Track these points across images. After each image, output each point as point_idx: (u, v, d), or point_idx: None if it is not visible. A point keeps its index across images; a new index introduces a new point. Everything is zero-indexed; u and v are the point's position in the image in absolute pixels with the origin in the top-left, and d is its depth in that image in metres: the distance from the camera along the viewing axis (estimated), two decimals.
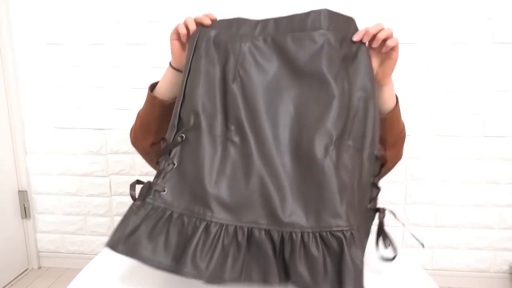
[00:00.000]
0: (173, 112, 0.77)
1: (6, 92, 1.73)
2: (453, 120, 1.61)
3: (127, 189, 1.78)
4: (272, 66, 0.76)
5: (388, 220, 1.74)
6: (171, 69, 0.90)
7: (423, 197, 1.69)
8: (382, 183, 1.76)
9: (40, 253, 1.92)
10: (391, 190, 1.69)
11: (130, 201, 1.90)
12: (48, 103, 1.75)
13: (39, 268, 1.92)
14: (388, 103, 0.87)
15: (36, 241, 1.90)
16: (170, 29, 1.65)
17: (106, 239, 1.85)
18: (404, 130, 0.92)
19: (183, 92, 0.77)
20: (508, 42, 1.53)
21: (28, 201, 1.84)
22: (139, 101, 1.69)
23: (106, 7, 1.63)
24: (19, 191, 1.83)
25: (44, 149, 1.79)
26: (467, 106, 1.60)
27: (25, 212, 1.84)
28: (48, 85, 1.73)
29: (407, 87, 1.59)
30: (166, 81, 0.91)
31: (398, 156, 0.93)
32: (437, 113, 1.61)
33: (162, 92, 0.91)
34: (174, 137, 0.75)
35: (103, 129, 1.74)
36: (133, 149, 1.73)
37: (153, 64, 1.66)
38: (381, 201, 1.73)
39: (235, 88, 0.73)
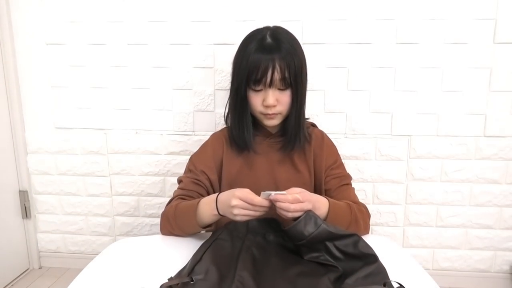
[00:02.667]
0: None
1: (6, 92, 1.73)
2: (453, 120, 1.61)
3: (127, 189, 1.78)
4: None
5: (388, 221, 1.73)
6: (218, 215, 0.99)
7: (424, 197, 1.69)
8: (383, 183, 1.77)
9: (40, 253, 1.92)
10: (392, 190, 1.69)
11: (130, 201, 1.90)
12: (48, 103, 1.75)
13: (40, 268, 1.92)
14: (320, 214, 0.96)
15: (37, 241, 1.91)
16: (171, 29, 1.66)
17: (106, 239, 1.86)
18: (353, 225, 1.03)
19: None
20: (508, 42, 1.53)
21: (28, 201, 1.84)
22: (139, 101, 1.69)
23: (106, 7, 1.63)
24: (19, 191, 1.83)
25: (44, 149, 1.79)
26: (468, 106, 1.60)
27: (26, 212, 1.85)
28: (48, 85, 1.73)
29: (408, 87, 1.59)
30: (210, 219, 1.02)
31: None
32: (437, 113, 1.61)
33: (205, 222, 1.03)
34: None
35: (103, 129, 1.74)
36: (134, 149, 1.73)
37: (153, 64, 1.66)
38: (383, 201, 1.72)
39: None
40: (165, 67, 1.66)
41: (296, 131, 1.12)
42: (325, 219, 0.97)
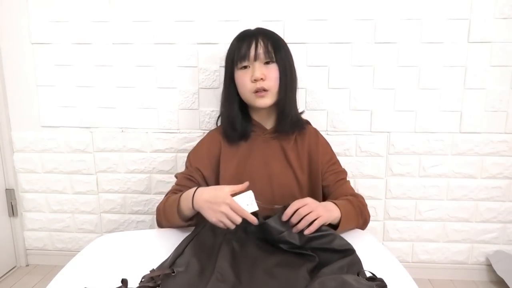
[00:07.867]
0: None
1: None
2: (430, 117, 1.66)
3: (113, 187, 1.81)
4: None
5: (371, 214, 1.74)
6: (193, 210, 1.00)
7: (403, 191, 1.74)
8: (363, 178, 1.80)
9: (27, 250, 1.93)
10: (372, 185, 1.74)
11: (117, 198, 1.91)
12: (34, 102, 1.76)
13: (27, 265, 1.94)
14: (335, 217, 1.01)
15: (24, 239, 1.92)
16: (155, 29, 1.67)
17: (93, 236, 1.88)
18: (359, 217, 1.10)
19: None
20: (482, 41, 1.58)
21: (15, 199, 1.85)
22: (125, 99, 1.72)
23: (91, 7, 1.65)
24: (6, 189, 1.84)
25: (31, 148, 1.81)
26: (444, 103, 1.65)
27: (13, 210, 1.86)
28: (34, 84, 1.74)
29: (387, 85, 1.64)
30: (189, 213, 1.03)
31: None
32: (415, 110, 1.66)
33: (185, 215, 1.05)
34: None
35: (89, 127, 1.76)
36: (119, 147, 1.75)
37: (138, 63, 1.68)
38: (363, 196, 1.75)
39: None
40: (150, 66, 1.68)
41: (286, 115, 1.17)
42: (340, 220, 1.01)
